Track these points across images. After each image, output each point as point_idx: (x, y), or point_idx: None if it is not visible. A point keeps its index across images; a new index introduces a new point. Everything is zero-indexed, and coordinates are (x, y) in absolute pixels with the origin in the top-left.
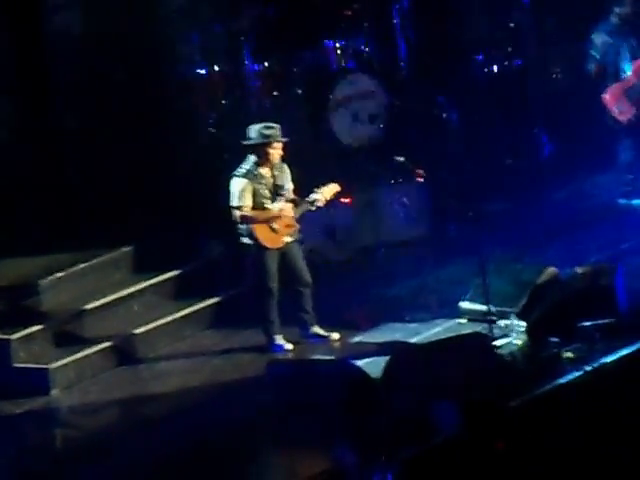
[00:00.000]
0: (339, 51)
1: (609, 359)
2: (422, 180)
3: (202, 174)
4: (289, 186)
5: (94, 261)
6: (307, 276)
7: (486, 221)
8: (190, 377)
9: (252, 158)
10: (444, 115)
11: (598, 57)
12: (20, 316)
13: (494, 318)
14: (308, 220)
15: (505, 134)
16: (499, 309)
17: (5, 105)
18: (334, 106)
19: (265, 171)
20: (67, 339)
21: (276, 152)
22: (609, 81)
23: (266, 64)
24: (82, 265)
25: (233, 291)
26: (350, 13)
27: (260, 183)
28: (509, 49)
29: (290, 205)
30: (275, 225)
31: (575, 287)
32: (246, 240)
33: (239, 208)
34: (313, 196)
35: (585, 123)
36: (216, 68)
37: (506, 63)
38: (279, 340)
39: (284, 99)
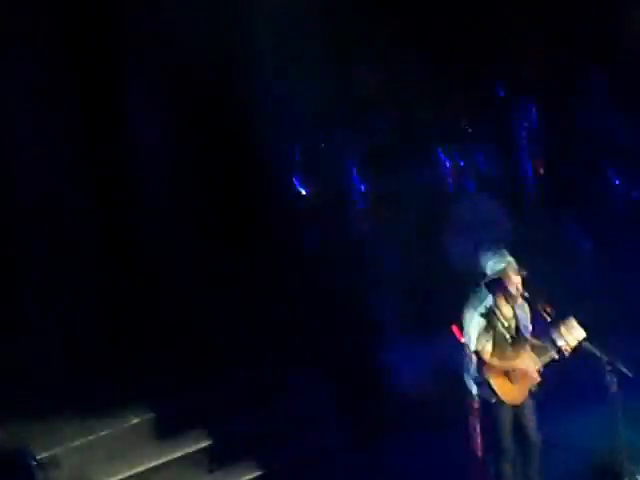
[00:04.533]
0: (457, 168)
1: None
2: (550, 317)
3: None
4: (530, 328)
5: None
6: (537, 436)
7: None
8: None
9: (489, 294)
10: (576, 244)
11: None
12: None
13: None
14: None
15: None
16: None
17: None
18: (452, 232)
19: (506, 310)
20: None
21: (514, 287)
22: None
23: (375, 184)
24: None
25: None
26: (470, 129)
27: (501, 324)
28: None
29: (533, 355)
30: (515, 377)
31: None
32: (478, 390)
33: (477, 353)
34: (558, 342)
35: None
36: (320, 188)
37: None
38: None
39: (395, 223)
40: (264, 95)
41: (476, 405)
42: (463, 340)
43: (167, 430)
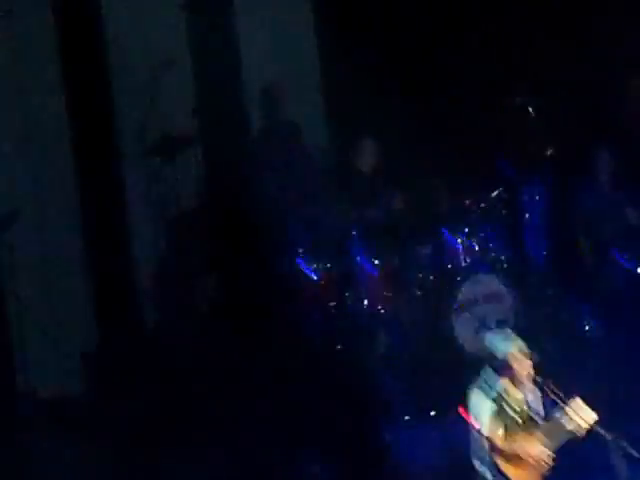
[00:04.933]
0: (462, 247)
1: None
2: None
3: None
4: (542, 412)
5: None
6: None
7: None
8: None
9: (497, 377)
10: (580, 324)
11: None
12: None
13: None
14: None
15: None
16: None
17: None
18: (457, 310)
19: (516, 394)
20: None
21: (523, 370)
22: None
23: (379, 261)
24: None
25: None
26: (474, 205)
27: (512, 409)
28: None
29: (544, 439)
30: (527, 460)
31: None
32: (488, 474)
33: (488, 438)
34: (569, 426)
35: None
36: (325, 266)
37: None
38: None
39: (401, 301)
40: (261, 173)
41: None
42: (473, 423)
43: None
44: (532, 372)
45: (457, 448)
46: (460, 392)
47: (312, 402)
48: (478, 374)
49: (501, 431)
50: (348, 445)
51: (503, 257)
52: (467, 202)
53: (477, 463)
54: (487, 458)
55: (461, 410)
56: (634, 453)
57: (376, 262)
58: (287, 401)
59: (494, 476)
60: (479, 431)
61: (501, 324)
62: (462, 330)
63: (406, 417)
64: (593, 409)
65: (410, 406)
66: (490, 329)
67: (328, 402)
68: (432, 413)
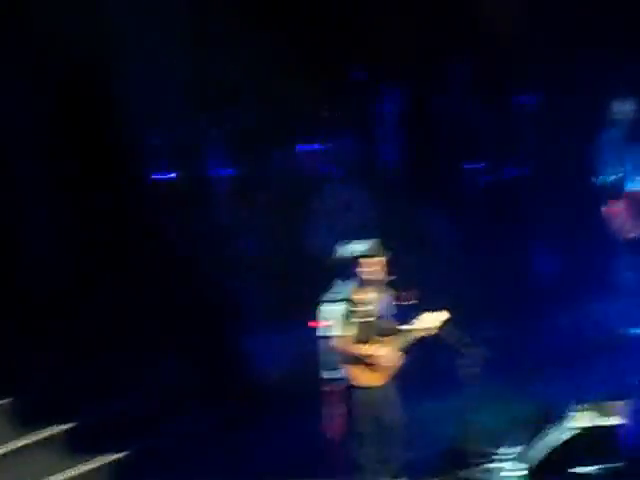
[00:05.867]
0: (318, 156)
1: None
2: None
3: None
4: (389, 314)
5: None
6: (398, 420)
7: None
8: None
9: (348, 281)
10: (434, 230)
11: (603, 167)
12: None
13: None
14: None
15: (503, 253)
16: (493, 450)
17: None
18: (312, 218)
19: (365, 296)
20: None
21: (372, 272)
22: (616, 194)
23: (236, 170)
24: None
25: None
26: (330, 115)
27: (360, 310)
28: (509, 158)
29: (392, 338)
30: (376, 361)
31: (577, 425)
32: (337, 375)
33: (335, 340)
34: (418, 327)
35: (590, 240)
36: (180, 174)
37: (504, 173)
38: None
39: (255, 209)
40: (123, 83)
41: (337, 390)
42: (322, 326)
43: (31, 412)
44: (382, 275)
45: (312, 351)
46: (315, 297)
47: (167, 307)
48: (331, 281)
49: (349, 331)
50: (205, 349)
51: (359, 166)
52: (325, 109)
53: (326, 363)
54: (336, 359)
55: (313, 318)
56: (482, 354)
57: (232, 169)
58: (144, 306)
59: (343, 377)
60: (328, 336)
61: (355, 231)
62: (317, 238)
63: (259, 325)
64: (442, 312)
65: (267, 310)
66: (344, 236)
67: (182, 309)
68: (284, 321)
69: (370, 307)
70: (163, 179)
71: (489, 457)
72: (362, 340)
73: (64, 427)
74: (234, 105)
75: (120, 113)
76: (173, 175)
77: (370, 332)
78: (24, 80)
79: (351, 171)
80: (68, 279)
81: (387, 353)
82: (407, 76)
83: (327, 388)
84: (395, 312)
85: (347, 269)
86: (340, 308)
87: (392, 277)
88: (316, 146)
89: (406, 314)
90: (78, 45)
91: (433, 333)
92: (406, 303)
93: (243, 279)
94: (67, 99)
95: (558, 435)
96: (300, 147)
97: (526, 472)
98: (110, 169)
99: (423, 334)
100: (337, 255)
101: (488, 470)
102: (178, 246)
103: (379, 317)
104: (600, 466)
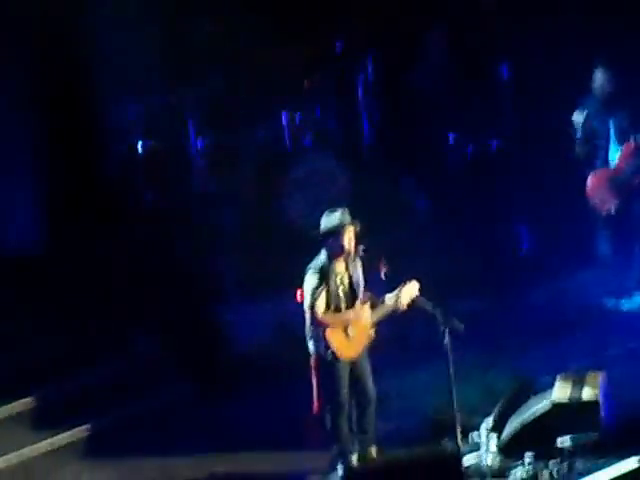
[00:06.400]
0: (295, 126)
1: None
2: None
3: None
4: (363, 283)
5: None
6: (373, 390)
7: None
8: None
9: (323, 251)
10: (411, 201)
11: (582, 139)
12: None
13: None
14: None
15: (480, 225)
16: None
17: None
18: (289, 188)
19: (339, 266)
20: None
21: (346, 242)
22: (595, 166)
23: (212, 140)
24: None
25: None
26: (308, 84)
27: (335, 280)
28: (485, 129)
29: (368, 310)
30: (350, 332)
31: (554, 398)
32: (314, 346)
33: (312, 309)
34: (392, 297)
35: (568, 213)
36: (156, 143)
37: (482, 145)
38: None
39: (232, 179)
40: (95, 52)
41: (314, 361)
42: (301, 297)
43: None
44: (355, 244)
45: (291, 322)
46: (293, 268)
47: (144, 277)
48: (311, 252)
49: (322, 301)
50: (183, 319)
51: (336, 135)
52: (302, 80)
53: (309, 340)
54: (312, 330)
55: (295, 289)
56: (457, 325)
57: (209, 139)
58: (120, 276)
59: (319, 347)
60: (307, 305)
61: (333, 201)
62: (295, 208)
63: (240, 295)
64: (420, 283)
65: (243, 285)
66: (323, 206)
67: (160, 278)
68: (266, 290)
69: (345, 277)
70: (141, 148)
71: (467, 428)
72: (336, 310)
73: (37, 399)
74: (210, 74)
75: (98, 81)
76: (151, 144)
77: (342, 302)
78: None
79: (328, 141)
80: (44, 247)
81: (363, 322)
82: (383, 45)
83: (312, 359)
84: (367, 282)
85: (327, 239)
86: (316, 276)
87: (363, 247)
88: (296, 115)
89: (380, 285)
90: (54, 11)
91: (404, 306)
92: (380, 273)
93: (222, 250)
94: (42, 68)
95: (537, 407)
96: (279, 117)
97: (504, 443)
98: (88, 139)
99: (394, 308)
100: (320, 226)
101: (466, 441)
102: (156, 216)
103: (352, 287)
104: (577, 437)
